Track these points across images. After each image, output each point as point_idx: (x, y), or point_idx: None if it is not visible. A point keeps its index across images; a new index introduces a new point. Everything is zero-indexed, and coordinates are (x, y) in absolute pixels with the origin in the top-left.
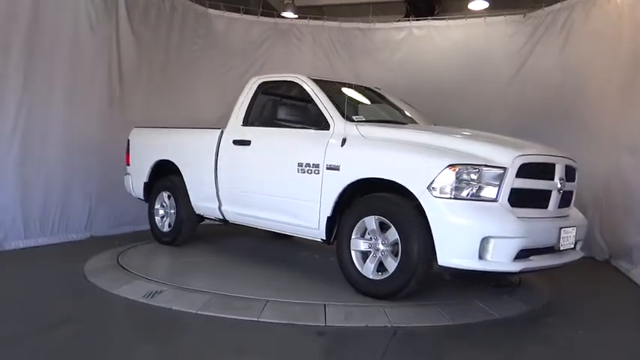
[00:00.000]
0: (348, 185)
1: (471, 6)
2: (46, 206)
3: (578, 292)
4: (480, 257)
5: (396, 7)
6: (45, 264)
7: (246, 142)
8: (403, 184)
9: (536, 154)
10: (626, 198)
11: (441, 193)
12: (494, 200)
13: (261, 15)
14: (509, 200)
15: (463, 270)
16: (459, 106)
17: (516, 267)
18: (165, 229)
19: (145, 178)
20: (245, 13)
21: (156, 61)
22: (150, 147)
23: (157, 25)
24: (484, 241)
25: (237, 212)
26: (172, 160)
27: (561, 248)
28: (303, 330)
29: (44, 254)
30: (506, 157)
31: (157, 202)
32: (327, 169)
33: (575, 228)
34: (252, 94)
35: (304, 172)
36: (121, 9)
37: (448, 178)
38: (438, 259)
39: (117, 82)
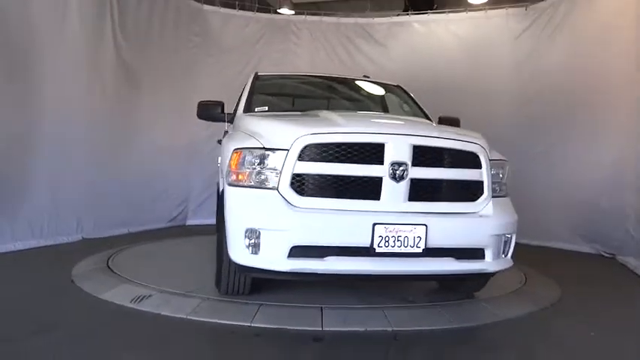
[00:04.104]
0: None
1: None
2: (36, 208)
3: (586, 291)
4: (256, 252)
5: (394, 3)
6: (32, 267)
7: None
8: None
9: (332, 132)
10: (636, 191)
11: (231, 179)
12: (274, 187)
13: (257, 11)
14: (295, 188)
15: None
16: (462, 98)
17: (284, 266)
18: None
19: None
20: (241, 9)
21: (150, 59)
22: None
23: (150, 22)
24: (253, 233)
25: None
26: None
27: (378, 251)
28: (299, 336)
29: (32, 257)
30: (288, 137)
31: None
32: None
33: (423, 227)
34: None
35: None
36: (113, 5)
37: (234, 163)
38: (229, 254)
39: (109, 80)
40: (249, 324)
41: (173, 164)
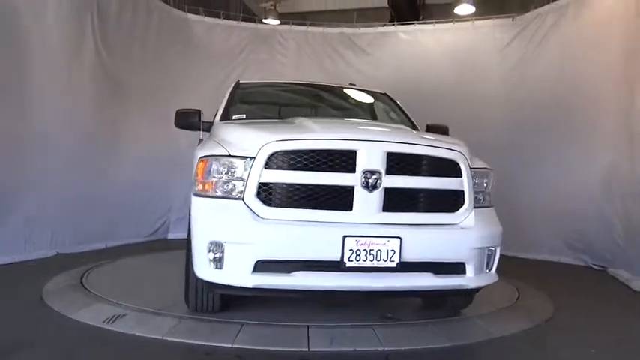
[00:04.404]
0: None
1: (457, 10)
2: (7, 221)
3: (580, 306)
4: (220, 267)
5: (379, 14)
6: (0, 285)
7: None
8: None
9: (300, 139)
10: (622, 201)
11: (197, 189)
12: (239, 198)
13: (242, 21)
14: (262, 198)
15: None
16: (450, 107)
17: (248, 282)
18: None
19: None
20: (225, 18)
21: (132, 69)
22: None
23: (133, 31)
24: (216, 246)
25: None
26: None
27: (349, 265)
28: (284, 357)
29: (2, 273)
30: (254, 144)
31: None
32: None
33: (397, 239)
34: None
35: None
36: (93, 15)
37: (200, 172)
38: (194, 268)
39: (88, 91)
40: (230, 345)
41: (155, 174)
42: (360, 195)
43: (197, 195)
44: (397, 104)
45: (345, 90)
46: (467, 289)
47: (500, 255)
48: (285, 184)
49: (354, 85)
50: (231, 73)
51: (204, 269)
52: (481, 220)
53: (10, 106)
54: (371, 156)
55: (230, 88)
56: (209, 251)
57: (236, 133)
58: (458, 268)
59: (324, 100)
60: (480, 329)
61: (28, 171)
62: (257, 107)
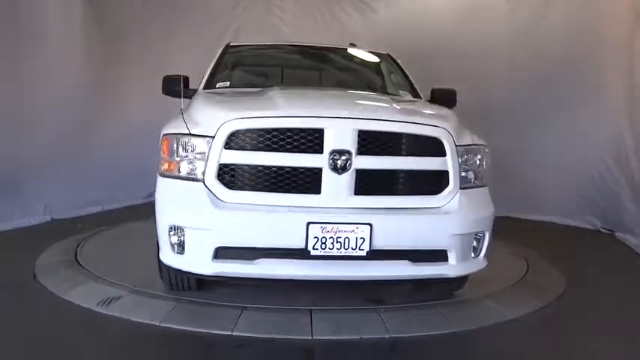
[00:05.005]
0: None
1: None
2: None
3: (591, 278)
4: (181, 253)
5: None
6: None
7: None
8: None
9: (262, 116)
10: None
11: (162, 169)
12: (200, 180)
13: None
14: (223, 180)
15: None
16: (455, 61)
17: (208, 270)
18: None
19: None
20: None
21: (121, 30)
22: None
23: None
24: (177, 231)
25: None
26: None
27: (314, 254)
28: (287, 347)
29: None
30: (214, 122)
31: None
32: None
33: (367, 226)
34: None
35: None
36: None
37: (163, 151)
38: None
39: (77, 51)
40: (230, 333)
41: (151, 135)
42: (328, 177)
43: (161, 175)
44: (399, 66)
45: (345, 51)
46: (448, 279)
47: (507, 217)
48: (248, 165)
49: (355, 45)
50: (225, 32)
51: (166, 254)
52: (468, 203)
53: None
54: (340, 135)
55: (219, 53)
56: (171, 235)
57: (202, 108)
58: (438, 255)
59: (320, 64)
60: (491, 311)
61: (18, 134)
62: (246, 73)
